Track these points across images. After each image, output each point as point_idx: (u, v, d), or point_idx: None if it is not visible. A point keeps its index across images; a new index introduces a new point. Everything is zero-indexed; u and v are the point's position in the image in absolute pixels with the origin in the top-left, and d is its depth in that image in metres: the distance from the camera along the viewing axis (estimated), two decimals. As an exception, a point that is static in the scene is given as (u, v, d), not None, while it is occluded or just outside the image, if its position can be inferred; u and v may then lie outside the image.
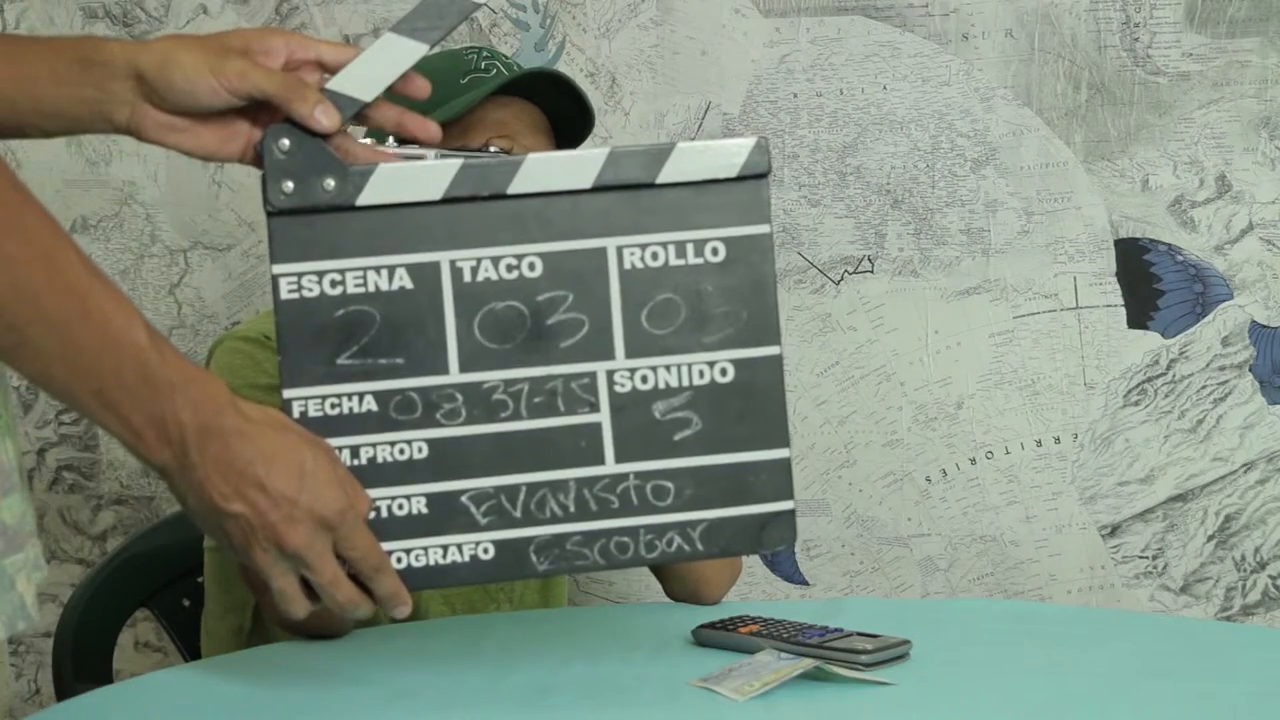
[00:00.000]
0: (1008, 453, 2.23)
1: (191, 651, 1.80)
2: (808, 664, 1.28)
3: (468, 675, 1.33)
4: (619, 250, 1.16)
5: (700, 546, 1.17)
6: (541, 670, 1.33)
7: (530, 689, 1.27)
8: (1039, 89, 2.20)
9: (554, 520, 1.15)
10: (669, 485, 1.16)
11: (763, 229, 1.17)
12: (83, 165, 2.36)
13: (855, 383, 2.25)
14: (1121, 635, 1.49)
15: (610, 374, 1.16)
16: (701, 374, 1.16)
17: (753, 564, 2.27)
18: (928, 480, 2.25)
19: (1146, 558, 2.21)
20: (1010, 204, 2.21)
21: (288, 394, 1.12)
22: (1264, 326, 2.18)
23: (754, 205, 1.17)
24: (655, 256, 1.16)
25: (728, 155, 1.17)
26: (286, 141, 1.12)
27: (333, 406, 1.13)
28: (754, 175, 1.17)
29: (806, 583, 2.28)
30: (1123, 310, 2.21)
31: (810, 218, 2.25)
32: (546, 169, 1.15)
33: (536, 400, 1.15)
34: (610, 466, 1.15)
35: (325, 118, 1.12)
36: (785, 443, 1.17)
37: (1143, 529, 2.21)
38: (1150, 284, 2.20)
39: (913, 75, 2.22)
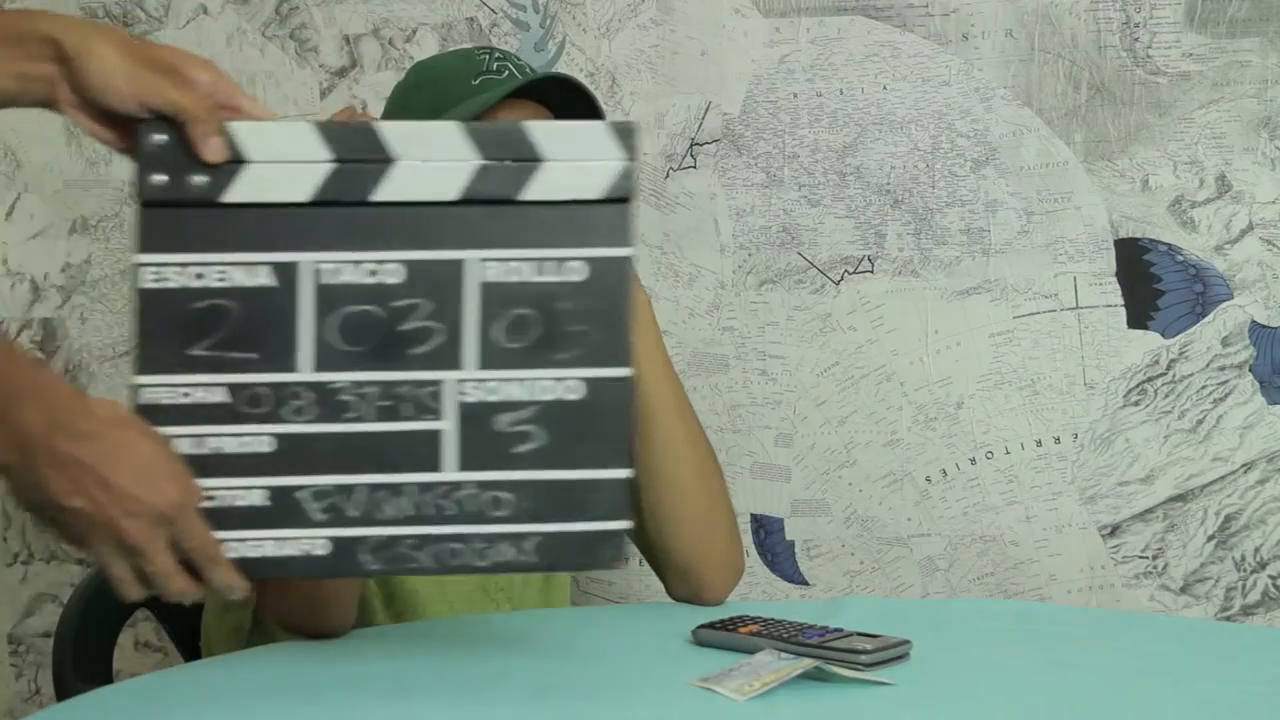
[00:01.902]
0: (1008, 453, 2.23)
1: (191, 651, 1.80)
2: (808, 664, 1.28)
3: (467, 675, 1.33)
4: (480, 263, 1.17)
5: (532, 558, 1.18)
6: (541, 670, 1.33)
7: (530, 689, 1.27)
8: (1039, 89, 2.20)
9: (391, 522, 1.16)
10: (507, 496, 1.18)
11: (624, 251, 1.18)
12: (83, 165, 2.36)
13: (855, 383, 2.25)
14: (1121, 635, 1.49)
15: (460, 384, 1.17)
16: (551, 390, 1.18)
17: (753, 564, 2.27)
18: (928, 480, 2.25)
19: (1146, 558, 2.21)
20: (1010, 204, 2.21)
21: (140, 380, 1.14)
22: (1264, 326, 2.18)
23: (617, 227, 1.18)
24: (516, 271, 1.17)
25: (594, 177, 1.18)
26: (162, 136, 1.14)
27: (184, 395, 1.15)
28: (619, 199, 1.18)
29: (806, 583, 2.28)
30: (1123, 310, 2.21)
31: (810, 218, 2.25)
32: (415, 178, 1.16)
33: (384, 404, 1.16)
34: (451, 474, 1.17)
35: (214, 153, 1.14)
36: (625, 463, 1.19)
37: (1143, 529, 2.21)
38: (1150, 284, 2.20)
39: (913, 75, 2.22)
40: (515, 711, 1.23)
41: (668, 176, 2.27)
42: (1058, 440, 2.22)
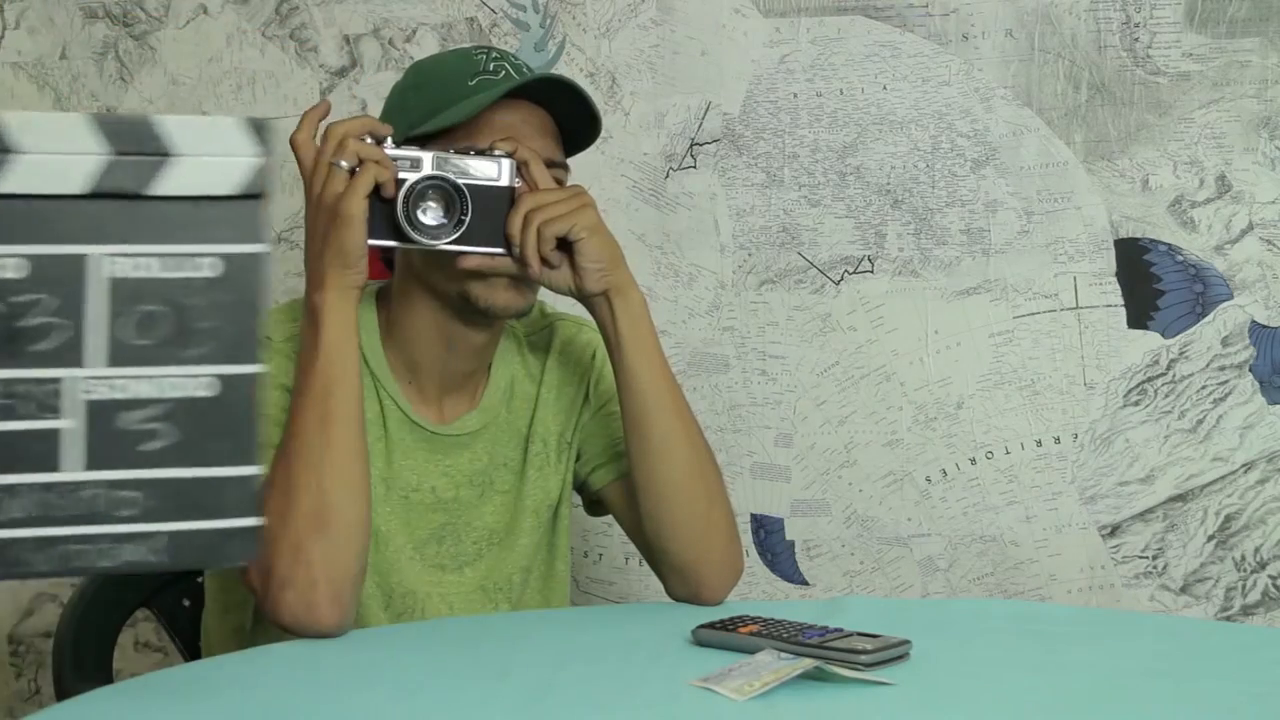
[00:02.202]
0: (1008, 453, 2.23)
1: (191, 651, 1.80)
2: (808, 664, 1.28)
3: (468, 675, 1.33)
4: (106, 258, 1.14)
5: (162, 557, 1.16)
6: (541, 670, 1.33)
7: (530, 689, 1.27)
8: (1039, 89, 2.20)
9: (8, 524, 1.13)
10: (135, 495, 1.15)
11: (257, 248, 1.17)
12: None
13: (855, 383, 2.25)
14: (1121, 635, 1.49)
15: (85, 381, 1.15)
16: (180, 387, 1.16)
17: (753, 564, 2.27)
18: (928, 480, 2.25)
19: (1146, 558, 2.21)
20: (1010, 204, 2.21)
21: None
22: (1264, 326, 2.18)
23: (250, 223, 1.17)
24: (144, 267, 1.15)
25: (227, 172, 1.16)
26: None
27: None
28: (252, 195, 1.16)
29: (806, 583, 2.28)
30: (1123, 310, 2.21)
31: (810, 218, 2.25)
32: (38, 170, 1.13)
33: (3, 403, 1.13)
34: (75, 474, 1.15)
35: None
36: (254, 460, 1.18)
37: (1143, 529, 2.21)
38: (1150, 284, 2.20)
39: (913, 75, 2.22)
40: (515, 711, 1.22)
41: (668, 176, 2.27)
42: (1058, 440, 2.22)
